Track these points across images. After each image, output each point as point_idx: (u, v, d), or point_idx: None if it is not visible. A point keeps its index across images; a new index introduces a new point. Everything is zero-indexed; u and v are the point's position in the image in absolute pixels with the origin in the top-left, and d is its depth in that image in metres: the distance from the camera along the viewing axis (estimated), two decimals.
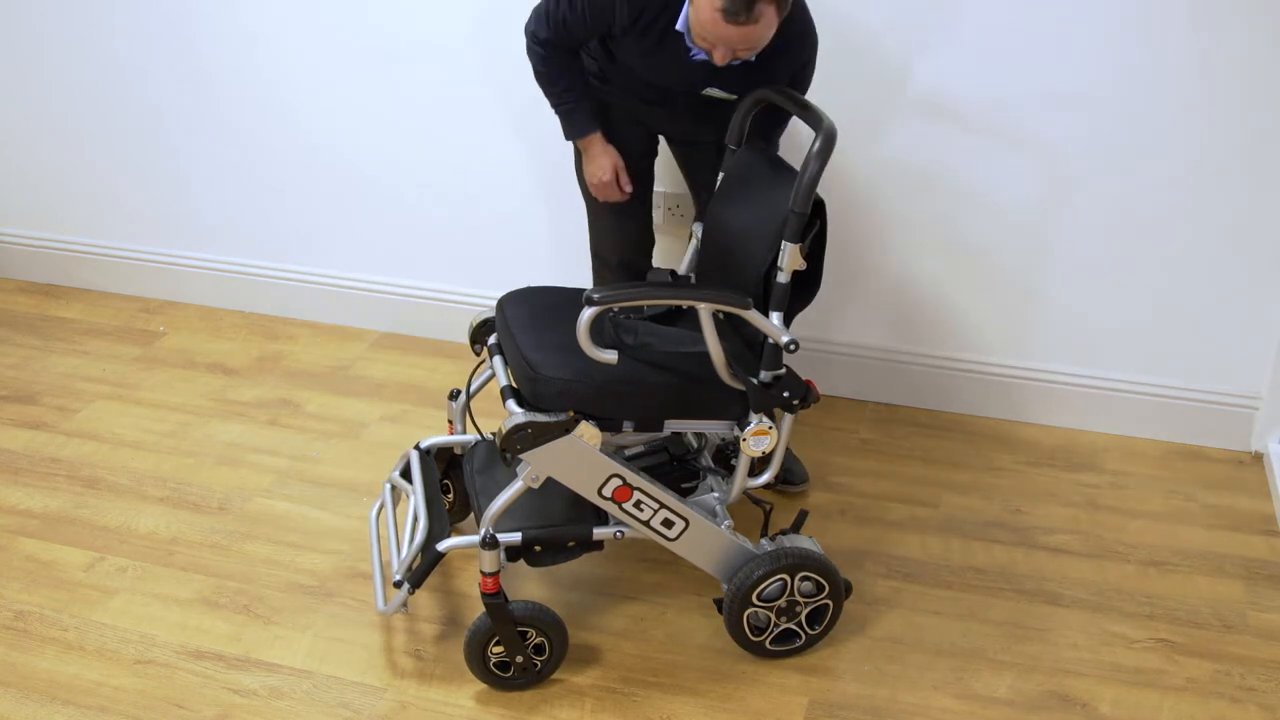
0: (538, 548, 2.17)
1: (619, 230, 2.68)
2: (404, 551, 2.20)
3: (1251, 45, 2.56)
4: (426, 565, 2.16)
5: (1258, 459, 2.91)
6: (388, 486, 2.44)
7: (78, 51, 3.38)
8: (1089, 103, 2.70)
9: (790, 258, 2.03)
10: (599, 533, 2.19)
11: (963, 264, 2.95)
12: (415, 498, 2.28)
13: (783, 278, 2.05)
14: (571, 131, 2.49)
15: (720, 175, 2.39)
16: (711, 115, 2.43)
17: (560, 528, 2.18)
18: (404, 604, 2.19)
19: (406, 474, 2.41)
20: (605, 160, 2.51)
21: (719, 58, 2.14)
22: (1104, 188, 2.78)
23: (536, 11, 2.38)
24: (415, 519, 2.23)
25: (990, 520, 2.69)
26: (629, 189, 2.55)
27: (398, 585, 2.17)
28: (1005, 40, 2.68)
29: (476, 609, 2.40)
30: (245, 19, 3.20)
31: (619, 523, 2.19)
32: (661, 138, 2.64)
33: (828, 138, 2.00)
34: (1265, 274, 2.77)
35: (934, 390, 3.10)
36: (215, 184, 3.46)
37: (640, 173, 2.60)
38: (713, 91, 2.34)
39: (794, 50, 2.28)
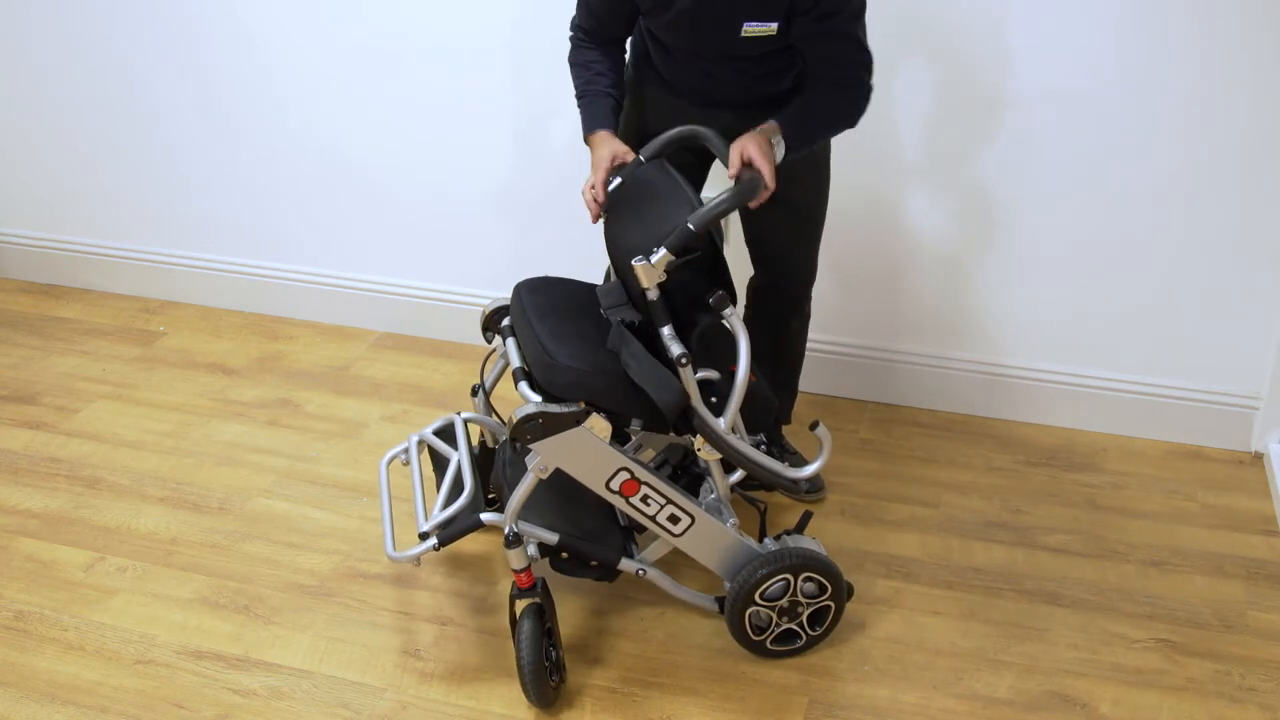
0: (564, 554, 2.18)
1: None
2: (437, 508, 2.17)
3: (1253, 44, 2.56)
4: (461, 529, 2.13)
5: (1258, 459, 2.91)
6: (414, 439, 2.38)
7: (78, 51, 3.38)
8: (1089, 101, 2.70)
9: (645, 272, 1.97)
10: (624, 564, 2.20)
11: (962, 264, 2.95)
12: (460, 459, 2.25)
13: (651, 295, 2.00)
14: (586, 124, 2.31)
15: (618, 180, 2.30)
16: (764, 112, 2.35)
17: (592, 544, 2.19)
18: (418, 559, 2.14)
19: (438, 435, 2.38)
20: (604, 150, 2.26)
21: None
22: (1104, 187, 2.77)
23: None
24: (458, 480, 2.21)
25: (990, 520, 2.69)
26: (601, 198, 2.25)
27: (423, 537, 2.13)
28: (1004, 38, 2.68)
29: (475, 609, 2.41)
30: (246, 19, 3.20)
31: (642, 561, 2.21)
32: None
33: (751, 185, 2.02)
34: (1265, 274, 2.77)
35: (934, 390, 3.10)
36: (215, 184, 3.46)
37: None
38: (751, 28, 2.19)
39: None
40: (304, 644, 2.31)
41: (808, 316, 2.67)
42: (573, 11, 2.38)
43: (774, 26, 2.19)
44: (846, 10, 2.19)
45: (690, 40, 2.28)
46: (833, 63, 2.24)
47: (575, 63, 2.37)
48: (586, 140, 2.33)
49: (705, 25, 2.22)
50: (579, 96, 2.35)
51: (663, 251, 1.98)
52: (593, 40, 2.35)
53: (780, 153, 2.17)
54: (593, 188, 2.25)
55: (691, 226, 1.97)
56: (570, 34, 2.38)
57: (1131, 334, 2.91)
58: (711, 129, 2.22)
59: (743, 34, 2.20)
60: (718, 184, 2.62)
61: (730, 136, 2.20)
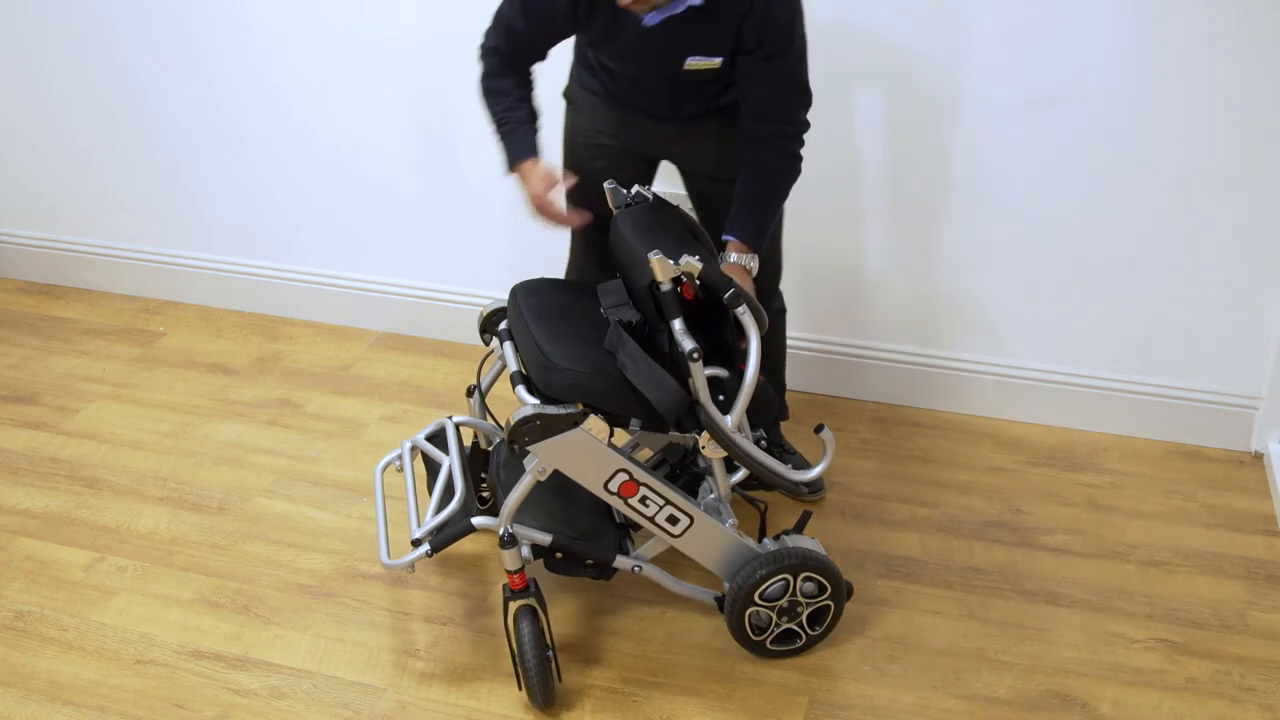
0: (559, 554, 2.18)
1: (596, 264, 2.55)
2: (429, 513, 2.18)
3: (1256, 47, 2.56)
4: (453, 534, 2.14)
5: (1258, 459, 2.91)
6: (406, 445, 2.39)
7: (78, 51, 3.38)
8: (1090, 103, 2.70)
9: (661, 266, 1.97)
10: (619, 561, 2.20)
11: (962, 264, 2.95)
12: (452, 464, 2.26)
13: (665, 285, 2.01)
14: (510, 156, 2.29)
15: (637, 189, 2.33)
16: (721, 128, 2.36)
17: (587, 544, 2.19)
18: (412, 565, 2.15)
19: (430, 440, 2.39)
20: (539, 171, 2.25)
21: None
22: (1104, 188, 2.77)
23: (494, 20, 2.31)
24: (449, 486, 2.21)
25: (990, 520, 2.69)
26: (562, 209, 2.30)
27: (415, 544, 2.14)
28: (1008, 39, 2.68)
29: (475, 610, 2.41)
30: (247, 19, 3.20)
31: (637, 557, 2.21)
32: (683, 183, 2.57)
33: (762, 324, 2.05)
34: (1265, 274, 2.77)
35: (934, 390, 3.10)
36: (215, 184, 3.46)
37: None
38: (694, 62, 2.21)
39: (754, 6, 2.12)
40: (304, 644, 2.31)
41: (781, 312, 2.67)
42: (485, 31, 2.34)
43: (717, 61, 2.22)
44: (791, 51, 2.20)
45: (635, 68, 2.31)
46: (769, 105, 2.25)
47: (491, 90, 2.32)
48: (513, 169, 2.29)
49: (648, 56, 2.24)
50: (500, 125, 2.30)
51: (698, 264, 1.98)
52: (508, 66, 2.31)
53: (755, 266, 2.27)
54: (537, 192, 2.24)
55: (732, 291, 2.00)
56: (482, 56, 2.33)
57: (1131, 334, 2.91)
58: (653, 138, 2.37)
59: (685, 66, 2.23)
60: (669, 181, 2.63)
61: (670, 145, 2.41)
